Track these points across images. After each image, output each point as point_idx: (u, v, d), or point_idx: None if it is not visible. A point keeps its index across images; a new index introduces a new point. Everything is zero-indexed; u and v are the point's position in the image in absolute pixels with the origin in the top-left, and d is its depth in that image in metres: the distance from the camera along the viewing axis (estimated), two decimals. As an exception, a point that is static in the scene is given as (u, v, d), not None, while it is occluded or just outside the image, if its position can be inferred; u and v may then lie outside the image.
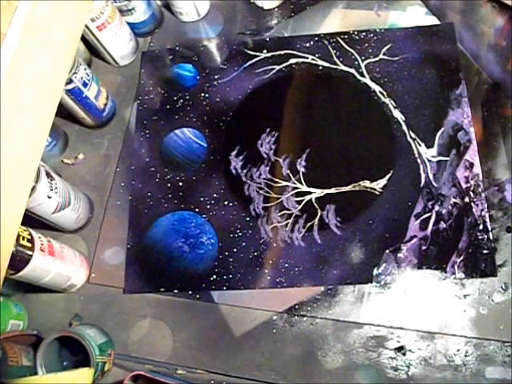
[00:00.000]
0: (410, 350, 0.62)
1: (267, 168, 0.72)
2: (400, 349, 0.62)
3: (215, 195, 0.71)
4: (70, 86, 0.67)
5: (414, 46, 0.77)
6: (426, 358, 0.61)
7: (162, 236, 0.70)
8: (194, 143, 0.75)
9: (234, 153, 0.74)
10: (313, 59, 0.78)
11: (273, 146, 0.73)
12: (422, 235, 0.66)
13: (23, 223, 0.47)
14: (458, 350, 0.61)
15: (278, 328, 0.64)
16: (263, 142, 0.74)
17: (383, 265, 0.65)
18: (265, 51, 0.80)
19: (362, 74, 0.76)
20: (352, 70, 0.77)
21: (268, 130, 0.75)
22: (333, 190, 0.70)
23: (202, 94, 0.78)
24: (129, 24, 0.80)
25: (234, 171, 0.73)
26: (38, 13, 0.42)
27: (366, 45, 0.78)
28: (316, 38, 0.80)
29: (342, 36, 0.79)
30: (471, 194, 0.68)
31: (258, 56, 0.80)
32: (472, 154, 0.70)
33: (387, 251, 0.66)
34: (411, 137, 0.72)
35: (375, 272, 0.65)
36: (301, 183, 0.71)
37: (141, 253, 0.69)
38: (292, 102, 0.76)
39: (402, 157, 0.71)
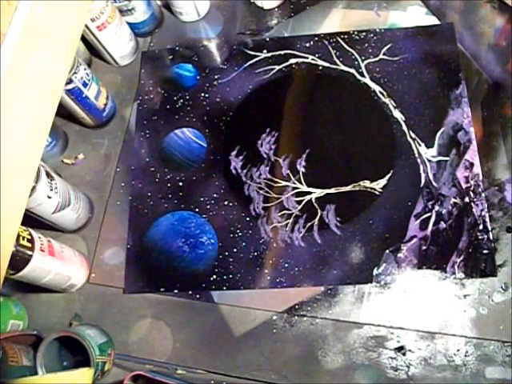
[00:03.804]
0: (410, 350, 0.62)
1: (267, 168, 0.72)
2: (400, 349, 0.62)
3: (215, 195, 0.71)
4: (70, 86, 0.67)
5: (414, 46, 0.77)
6: (426, 357, 0.61)
7: (161, 236, 0.70)
8: (194, 143, 0.75)
9: (234, 153, 0.74)
10: (313, 59, 0.78)
11: (273, 146, 0.73)
12: (421, 235, 0.66)
13: (23, 223, 0.47)
14: (458, 350, 0.61)
15: (278, 328, 0.64)
16: (263, 141, 0.74)
17: (383, 265, 0.65)
18: (265, 51, 0.80)
19: (362, 74, 0.76)
20: (352, 70, 0.77)
21: (268, 129, 0.75)
22: (333, 190, 0.70)
23: (202, 94, 0.78)
24: (129, 24, 0.80)
25: (234, 171, 0.73)
26: (38, 13, 0.42)
27: (366, 45, 0.78)
28: (316, 38, 0.80)
29: (342, 36, 0.79)
30: (471, 193, 0.68)
31: (258, 56, 0.80)
32: (472, 154, 0.70)
33: (387, 251, 0.66)
34: (411, 137, 0.72)
35: (375, 272, 0.65)
36: (301, 183, 0.71)
37: (141, 253, 0.69)
38: (292, 102, 0.76)
39: (402, 157, 0.71)
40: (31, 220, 0.61)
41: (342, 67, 0.77)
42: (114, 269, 0.69)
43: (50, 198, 0.61)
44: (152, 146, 0.76)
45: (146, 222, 0.71)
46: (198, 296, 0.66)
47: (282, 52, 0.79)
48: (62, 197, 0.63)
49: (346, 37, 0.79)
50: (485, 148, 0.70)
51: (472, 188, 0.68)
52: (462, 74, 0.75)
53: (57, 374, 0.54)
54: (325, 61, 0.78)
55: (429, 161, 0.70)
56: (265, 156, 0.73)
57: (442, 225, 0.66)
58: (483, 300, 0.63)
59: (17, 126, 0.41)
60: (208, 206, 0.71)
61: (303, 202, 0.70)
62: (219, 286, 0.66)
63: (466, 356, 0.61)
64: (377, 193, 0.69)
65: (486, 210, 0.67)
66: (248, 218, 0.70)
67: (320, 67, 0.78)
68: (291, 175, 0.72)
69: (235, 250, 0.68)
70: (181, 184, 0.73)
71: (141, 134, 0.77)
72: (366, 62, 0.77)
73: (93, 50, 0.80)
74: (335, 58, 0.78)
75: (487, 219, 0.66)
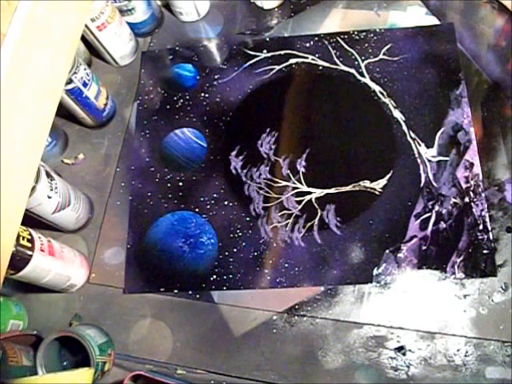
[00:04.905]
0: (410, 350, 0.62)
1: (267, 168, 0.72)
2: (400, 349, 0.62)
3: (215, 195, 0.71)
4: (70, 86, 0.67)
5: (414, 46, 0.77)
6: (426, 357, 0.61)
7: (161, 236, 0.70)
8: (194, 143, 0.75)
9: (233, 153, 0.74)
10: (313, 59, 0.78)
11: (273, 146, 0.74)
12: (422, 235, 0.66)
13: (23, 223, 0.47)
14: (458, 350, 0.61)
15: (278, 328, 0.64)
16: (263, 142, 0.74)
17: (383, 265, 0.65)
18: (265, 51, 0.80)
19: (362, 74, 0.76)
20: (352, 70, 0.77)
21: (268, 130, 0.75)
22: (333, 190, 0.70)
23: (202, 94, 0.78)
24: (129, 24, 0.80)
25: (234, 171, 0.73)
26: (38, 13, 0.42)
27: (366, 45, 0.78)
28: (316, 38, 0.80)
29: (342, 36, 0.79)
30: (471, 193, 0.68)
31: (257, 56, 0.80)
32: (472, 154, 0.70)
33: (387, 251, 0.66)
34: (411, 137, 0.72)
35: (375, 272, 0.65)
36: (301, 183, 0.71)
37: (141, 253, 0.69)
38: (292, 102, 0.76)
39: (401, 157, 0.71)
40: (31, 220, 0.61)
41: (342, 67, 0.77)
42: (113, 269, 0.69)
43: (50, 198, 0.61)
44: (152, 146, 0.76)
45: (146, 221, 0.71)
46: (197, 296, 0.66)
47: (282, 52, 0.79)
48: (62, 197, 0.63)
49: (345, 37, 0.79)
50: (485, 148, 0.70)
51: (472, 188, 0.68)
52: (461, 73, 0.75)
53: (57, 374, 0.54)
54: (325, 61, 0.78)
55: (429, 161, 0.70)
56: (265, 156, 0.73)
57: (442, 225, 0.66)
58: (483, 300, 0.63)
59: (17, 126, 0.41)
60: (208, 206, 0.71)
61: (303, 202, 0.70)
62: (219, 286, 0.66)
63: (466, 356, 0.61)
64: (377, 193, 0.69)
65: (486, 210, 0.67)
66: (248, 218, 0.70)
67: (320, 67, 0.78)
68: (291, 175, 0.72)
69: (235, 250, 0.68)
70: (181, 184, 0.73)
71: (141, 134, 0.77)
72: (365, 62, 0.77)
73: (93, 50, 0.80)
74: (335, 58, 0.78)
75: (487, 219, 0.66)
